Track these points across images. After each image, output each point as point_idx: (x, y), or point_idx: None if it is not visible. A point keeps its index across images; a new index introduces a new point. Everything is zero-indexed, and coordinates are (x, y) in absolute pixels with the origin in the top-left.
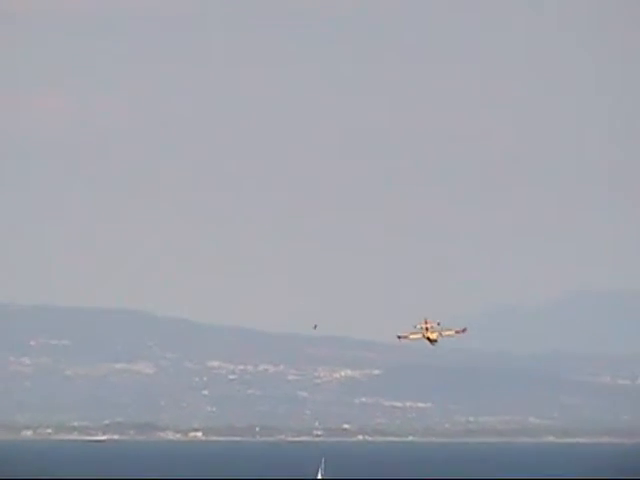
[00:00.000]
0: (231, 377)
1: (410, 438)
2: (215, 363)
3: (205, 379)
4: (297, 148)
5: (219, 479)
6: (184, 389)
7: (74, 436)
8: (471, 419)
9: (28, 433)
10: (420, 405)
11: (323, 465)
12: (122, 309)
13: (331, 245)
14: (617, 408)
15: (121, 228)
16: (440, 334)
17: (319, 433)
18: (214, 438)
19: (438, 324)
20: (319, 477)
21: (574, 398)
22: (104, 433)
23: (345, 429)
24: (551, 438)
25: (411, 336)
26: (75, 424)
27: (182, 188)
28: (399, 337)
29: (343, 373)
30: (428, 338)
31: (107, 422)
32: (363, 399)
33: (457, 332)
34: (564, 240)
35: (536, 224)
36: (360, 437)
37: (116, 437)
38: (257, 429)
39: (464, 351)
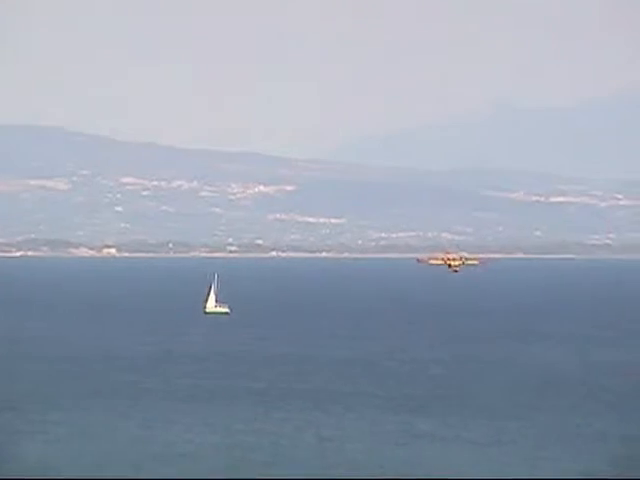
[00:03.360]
0: (145, 193)
1: (323, 254)
2: (129, 179)
3: (119, 195)
4: None
5: None
6: (98, 206)
7: None
8: (384, 235)
9: None
10: (333, 221)
11: (216, 279)
12: (36, 125)
13: (244, 62)
14: (530, 225)
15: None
16: (463, 262)
17: (233, 249)
18: (127, 255)
19: (461, 257)
20: (212, 289)
21: (488, 214)
22: (18, 250)
23: (259, 245)
24: (464, 254)
25: (431, 261)
26: None
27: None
28: (418, 260)
29: (257, 189)
30: (449, 265)
31: (20, 239)
32: (277, 215)
33: (480, 261)
34: (486, 54)
35: (464, 35)
36: (273, 253)
37: (30, 253)
38: (170, 245)
39: (381, 168)
